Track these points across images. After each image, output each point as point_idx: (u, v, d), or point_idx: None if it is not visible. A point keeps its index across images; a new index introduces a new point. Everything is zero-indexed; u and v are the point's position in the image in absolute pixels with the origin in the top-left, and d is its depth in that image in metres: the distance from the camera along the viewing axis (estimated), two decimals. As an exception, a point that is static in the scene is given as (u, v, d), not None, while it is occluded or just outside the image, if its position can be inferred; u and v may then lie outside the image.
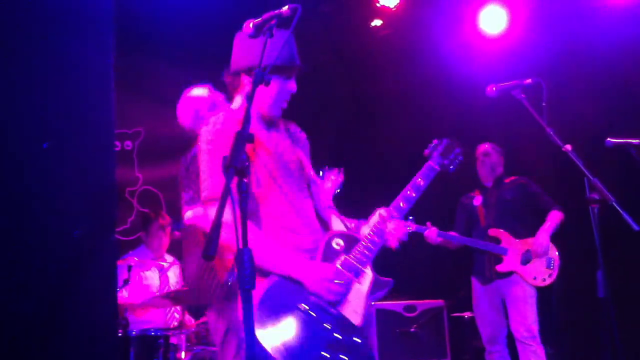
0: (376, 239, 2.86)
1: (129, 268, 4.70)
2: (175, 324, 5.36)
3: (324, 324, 2.62)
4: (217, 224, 2.00)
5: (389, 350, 6.03)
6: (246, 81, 2.88)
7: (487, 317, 5.48)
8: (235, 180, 2.12)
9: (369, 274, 2.82)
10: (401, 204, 2.95)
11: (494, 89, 3.98)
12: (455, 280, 6.53)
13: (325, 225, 2.97)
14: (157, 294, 5.43)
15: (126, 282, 4.74)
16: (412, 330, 6.27)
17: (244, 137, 2.17)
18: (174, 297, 4.98)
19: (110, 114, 2.43)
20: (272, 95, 2.87)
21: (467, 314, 6.38)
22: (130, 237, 6.20)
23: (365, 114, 7.43)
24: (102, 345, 2.20)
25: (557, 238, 5.45)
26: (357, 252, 2.82)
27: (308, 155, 3.11)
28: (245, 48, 2.86)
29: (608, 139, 4.18)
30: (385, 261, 3.76)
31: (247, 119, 2.24)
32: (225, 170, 2.10)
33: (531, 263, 5.32)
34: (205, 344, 5.04)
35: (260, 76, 2.35)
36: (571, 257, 6.17)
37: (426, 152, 3.14)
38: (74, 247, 2.21)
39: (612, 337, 3.62)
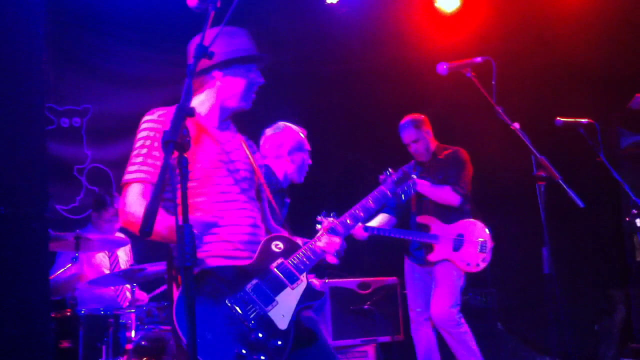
0: (317, 249, 2.84)
1: (77, 245, 4.59)
2: (127, 303, 5.30)
3: (247, 322, 2.61)
4: (155, 199, 1.97)
5: (342, 327, 6.04)
6: (217, 75, 2.88)
7: (421, 293, 5.42)
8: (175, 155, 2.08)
9: (304, 281, 2.79)
10: (348, 221, 2.96)
11: (445, 66, 4.00)
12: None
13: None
14: (108, 272, 5.37)
15: (75, 259, 4.64)
16: (365, 307, 6.29)
17: (184, 111, 2.13)
18: (124, 276, 4.92)
19: (40, 86, 2.33)
20: (239, 87, 2.90)
21: (420, 291, 6.43)
22: (78, 215, 6.10)
23: (317, 92, 7.40)
24: (33, 327, 2.13)
25: (503, 215, 5.49)
26: (296, 257, 2.81)
27: (260, 165, 3.10)
28: (215, 44, 2.85)
29: (558, 118, 4.24)
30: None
31: (187, 93, 2.20)
32: (164, 145, 2.06)
33: (463, 248, 5.20)
34: (156, 322, 5.00)
35: (203, 50, 2.30)
36: (517, 233, 6.28)
37: (381, 177, 3.15)
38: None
39: (557, 312, 3.69)
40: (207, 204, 2.73)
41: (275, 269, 2.75)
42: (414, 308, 5.49)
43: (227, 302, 2.61)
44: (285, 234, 2.96)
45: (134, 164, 2.73)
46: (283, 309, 2.70)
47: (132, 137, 6.93)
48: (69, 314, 4.49)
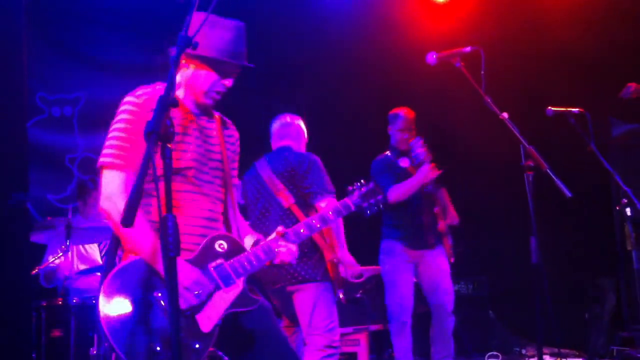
0: (261, 254, 2.77)
1: (67, 231, 4.58)
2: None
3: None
4: (138, 191, 1.97)
5: (334, 316, 6.07)
6: (185, 62, 2.80)
7: (409, 286, 5.30)
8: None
9: (239, 286, 2.70)
10: (302, 230, 2.89)
11: (434, 56, 3.99)
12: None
13: (229, 229, 2.90)
14: (100, 262, 5.38)
15: (64, 249, 4.64)
16: (357, 296, 6.33)
17: (167, 102, 2.13)
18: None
19: (22, 81, 2.30)
20: (206, 84, 2.80)
21: (411, 280, 6.45)
22: (69, 204, 6.09)
23: (304, 81, 7.39)
24: (14, 321, 2.11)
25: (492, 204, 5.49)
26: (236, 260, 2.72)
27: (236, 155, 3.04)
28: (190, 27, 2.85)
29: (549, 107, 4.25)
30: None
31: (171, 84, 2.19)
32: (147, 136, 2.05)
33: (448, 236, 5.39)
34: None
35: (185, 40, 2.27)
36: (507, 223, 6.29)
37: (349, 188, 3.07)
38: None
39: (544, 301, 3.71)
40: (175, 191, 2.64)
41: (212, 269, 2.67)
42: (408, 302, 5.28)
43: (155, 294, 2.54)
44: (233, 235, 2.85)
45: (112, 147, 2.66)
46: (211, 311, 2.61)
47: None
48: (60, 303, 4.50)
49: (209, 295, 2.62)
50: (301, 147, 4.58)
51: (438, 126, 5.87)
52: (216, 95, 2.84)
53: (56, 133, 6.12)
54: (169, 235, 2.05)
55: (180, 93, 2.85)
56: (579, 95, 5.51)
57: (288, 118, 4.62)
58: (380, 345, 6.67)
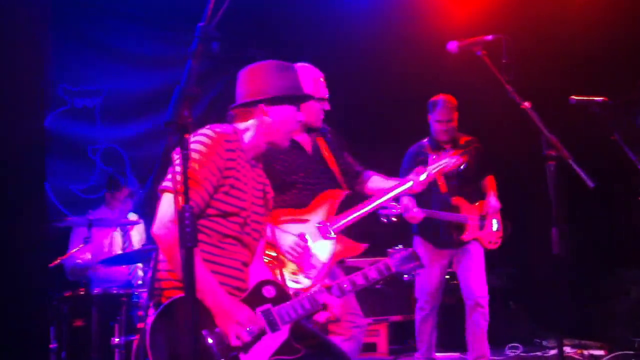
0: (306, 304, 2.82)
1: (89, 225, 4.63)
2: (140, 282, 5.35)
3: (215, 359, 2.54)
4: (156, 181, 1.99)
5: (355, 306, 6.07)
6: (264, 109, 2.89)
7: (434, 279, 5.30)
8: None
9: (285, 333, 2.75)
10: (345, 285, 2.94)
11: (455, 45, 3.95)
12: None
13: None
14: (121, 252, 5.43)
15: (87, 240, 4.69)
16: (378, 286, 6.33)
17: (186, 94, 2.13)
18: (136, 255, 4.98)
19: (40, 71, 2.31)
20: (284, 124, 2.93)
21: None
22: (92, 195, 6.15)
23: (329, 71, 7.37)
24: (29, 307, 2.13)
25: (514, 194, 5.40)
26: (283, 307, 2.77)
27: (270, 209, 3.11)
28: (255, 80, 2.92)
29: (572, 96, 4.19)
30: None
31: (191, 77, 2.19)
32: (165, 126, 2.06)
33: (485, 227, 5.27)
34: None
35: (205, 32, 2.28)
36: (529, 213, 6.23)
37: (389, 250, 3.15)
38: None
39: (565, 292, 3.68)
40: (214, 233, 2.73)
41: (259, 313, 2.72)
42: (429, 291, 5.32)
43: (203, 332, 2.55)
44: (279, 280, 2.93)
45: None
46: (257, 354, 2.65)
47: (146, 117, 6.91)
48: (82, 293, 4.55)
49: (258, 336, 2.66)
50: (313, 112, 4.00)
51: (459, 115, 5.79)
52: (291, 135, 3.01)
53: (79, 124, 6.18)
54: (186, 227, 2.06)
55: (247, 137, 2.91)
56: (603, 83, 5.43)
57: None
58: (401, 336, 6.66)
